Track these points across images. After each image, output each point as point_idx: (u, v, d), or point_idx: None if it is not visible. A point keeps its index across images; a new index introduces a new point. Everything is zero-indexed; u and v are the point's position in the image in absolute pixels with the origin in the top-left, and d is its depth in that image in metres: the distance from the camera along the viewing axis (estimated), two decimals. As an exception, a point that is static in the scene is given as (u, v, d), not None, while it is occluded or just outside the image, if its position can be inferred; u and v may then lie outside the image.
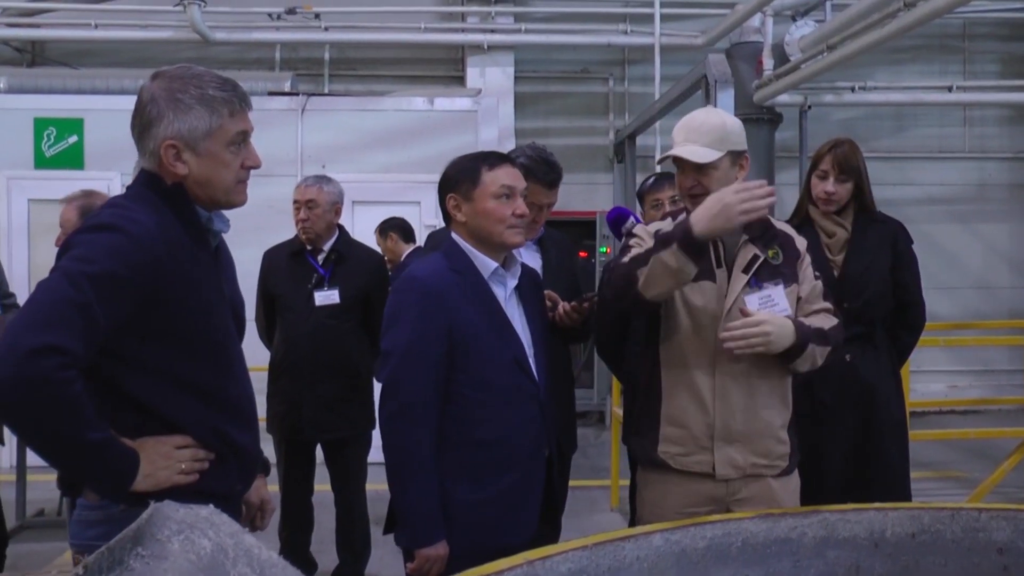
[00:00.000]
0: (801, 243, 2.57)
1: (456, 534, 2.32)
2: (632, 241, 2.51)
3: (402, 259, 5.34)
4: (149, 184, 1.83)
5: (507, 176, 2.41)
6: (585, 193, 9.18)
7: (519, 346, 2.42)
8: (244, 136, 1.87)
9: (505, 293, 2.46)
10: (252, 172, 1.93)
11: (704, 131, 2.40)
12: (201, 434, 1.82)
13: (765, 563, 1.86)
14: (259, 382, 4.09)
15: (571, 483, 3.22)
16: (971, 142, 9.97)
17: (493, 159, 2.45)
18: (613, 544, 1.72)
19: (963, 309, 9.51)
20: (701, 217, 2.21)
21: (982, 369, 9.53)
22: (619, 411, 5.23)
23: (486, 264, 2.42)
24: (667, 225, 2.52)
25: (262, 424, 4.07)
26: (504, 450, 2.38)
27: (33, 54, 9.15)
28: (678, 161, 2.42)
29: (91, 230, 1.72)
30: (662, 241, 2.27)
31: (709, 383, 2.39)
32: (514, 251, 2.67)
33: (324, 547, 4.24)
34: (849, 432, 3.06)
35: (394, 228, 5.72)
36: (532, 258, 3.06)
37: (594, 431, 8.32)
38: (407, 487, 2.31)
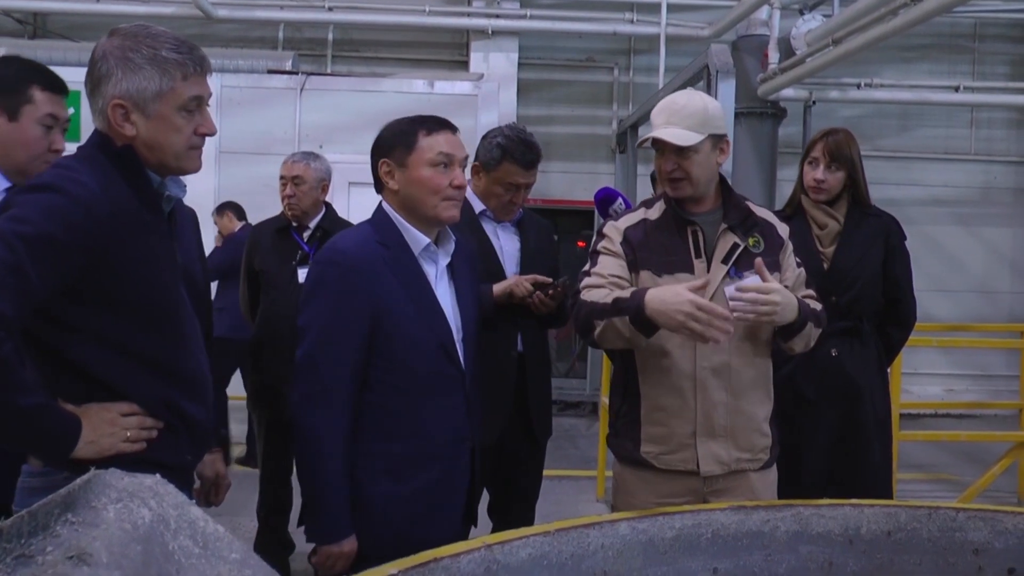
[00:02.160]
0: (784, 231, 2.49)
1: (375, 528, 2.16)
2: (600, 244, 2.42)
3: (236, 231, 6.31)
4: (99, 145, 1.77)
5: (446, 143, 2.22)
6: (587, 182, 9.13)
7: (446, 331, 2.25)
8: (199, 101, 1.80)
9: (436, 271, 2.29)
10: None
11: (685, 114, 2.33)
12: (149, 404, 1.77)
13: (735, 556, 1.82)
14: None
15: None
16: (977, 144, 9.90)
17: (432, 123, 2.25)
18: (576, 531, 1.68)
19: (964, 312, 9.46)
20: (656, 302, 2.13)
21: (979, 373, 9.49)
22: (607, 401, 5.19)
23: (417, 239, 2.24)
24: (640, 215, 2.45)
25: (241, 403, 4.07)
26: (424, 442, 2.21)
27: (35, 26, 9.11)
28: (658, 144, 2.36)
29: (30, 190, 1.65)
30: (617, 308, 2.20)
31: (690, 378, 2.32)
32: (489, 230, 2.60)
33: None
34: (831, 427, 3.00)
35: (229, 207, 6.51)
36: (510, 240, 3.02)
37: (586, 422, 8.29)
38: (314, 477, 2.13)
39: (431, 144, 2.21)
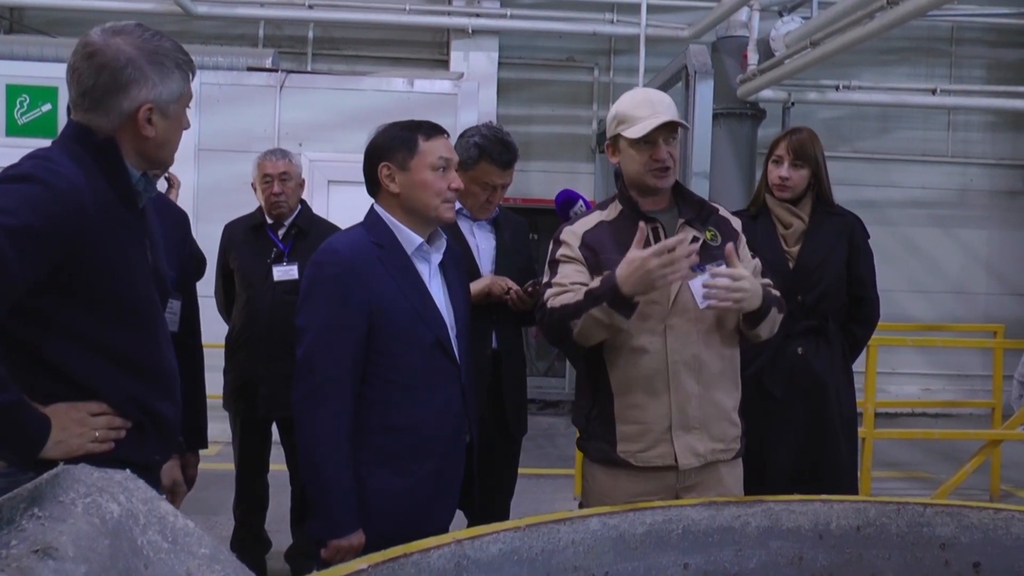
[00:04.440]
0: (736, 223, 2.55)
1: (376, 521, 2.20)
2: (559, 253, 2.43)
3: None
4: (78, 138, 1.76)
5: (444, 148, 2.30)
6: (566, 182, 9.11)
7: (441, 326, 2.29)
8: (191, 99, 1.91)
9: (429, 270, 2.34)
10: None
11: (667, 103, 2.42)
12: (119, 402, 1.76)
13: (706, 551, 1.83)
14: (216, 358, 4.07)
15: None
16: (954, 147, 10.00)
17: (428, 128, 2.31)
18: (547, 526, 1.68)
19: (940, 313, 9.56)
20: (625, 279, 2.18)
21: (956, 373, 9.58)
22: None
23: (411, 239, 2.30)
24: (596, 218, 2.46)
25: (218, 401, 4.05)
26: (423, 435, 2.26)
27: (11, 21, 9.02)
28: (652, 135, 2.36)
29: (9, 180, 1.63)
30: (592, 298, 2.23)
31: (662, 372, 2.34)
32: (465, 228, 2.60)
33: (279, 526, 4.20)
34: (798, 425, 3.01)
35: None
36: (486, 238, 3.02)
37: (565, 421, 8.29)
38: (320, 473, 2.17)
39: (432, 148, 2.28)
